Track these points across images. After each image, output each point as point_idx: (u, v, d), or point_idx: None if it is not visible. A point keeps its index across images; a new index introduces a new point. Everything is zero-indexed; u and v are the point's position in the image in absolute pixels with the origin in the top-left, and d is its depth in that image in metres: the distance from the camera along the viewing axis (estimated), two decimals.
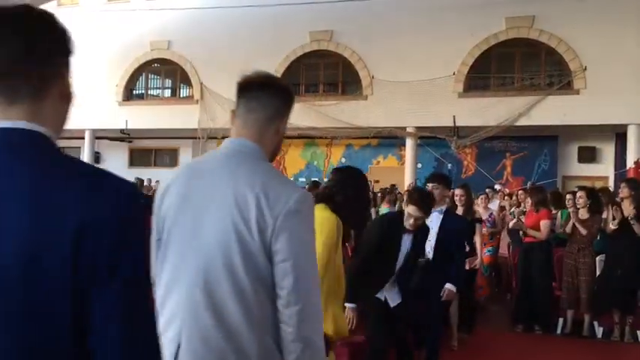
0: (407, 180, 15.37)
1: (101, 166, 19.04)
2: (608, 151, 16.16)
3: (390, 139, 17.11)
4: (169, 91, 19.52)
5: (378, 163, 18.19)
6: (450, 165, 17.21)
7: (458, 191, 6.29)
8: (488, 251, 7.78)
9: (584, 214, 6.68)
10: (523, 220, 7.16)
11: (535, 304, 6.75)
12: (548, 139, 16.41)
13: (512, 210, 9.26)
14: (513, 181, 16.25)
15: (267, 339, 1.59)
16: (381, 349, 4.10)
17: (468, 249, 5.87)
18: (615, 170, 15.70)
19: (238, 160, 1.69)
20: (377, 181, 15.56)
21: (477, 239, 6.15)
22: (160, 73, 19.38)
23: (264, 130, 1.75)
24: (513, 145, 16.68)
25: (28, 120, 1.05)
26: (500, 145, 16.62)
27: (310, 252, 1.64)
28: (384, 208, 10.17)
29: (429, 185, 5.06)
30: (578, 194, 6.82)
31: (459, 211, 6.06)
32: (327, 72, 17.31)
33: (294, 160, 19.03)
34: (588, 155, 16.18)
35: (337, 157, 18.65)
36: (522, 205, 8.40)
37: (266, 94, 1.76)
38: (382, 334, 4.17)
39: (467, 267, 5.82)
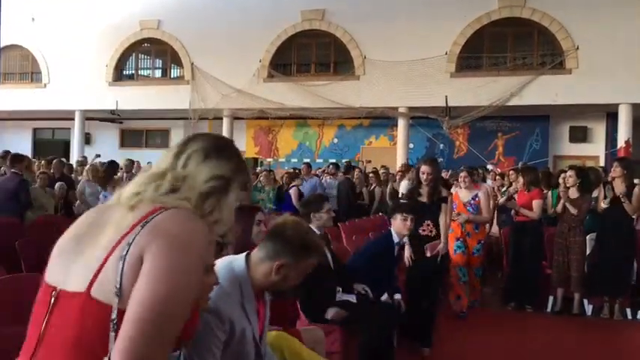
0: (399, 160, 15.38)
1: (92, 147, 18.98)
2: (599, 130, 16.22)
3: (382, 120, 17.08)
4: (160, 71, 19.34)
5: (370, 143, 18.17)
6: (442, 145, 17.23)
7: (424, 168, 5.33)
8: (476, 250, 6.57)
9: (574, 193, 6.72)
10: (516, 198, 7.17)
11: (526, 282, 6.81)
12: (540, 118, 16.43)
13: (504, 189, 9.30)
14: (505, 161, 16.29)
15: None
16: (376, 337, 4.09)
17: (434, 233, 5.27)
18: (606, 150, 15.80)
19: (227, 266, 2.25)
20: (369, 161, 15.57)
21: (442, 221, 5.29)
22: (150, 53, 19.17)
23: (261, 264, 2.24)
24: (505, 125, 16.69)
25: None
26: (492, 125, 16.64)
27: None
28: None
29: (407, 216, 4.75)
30: (568, 173, 6.85)
31: (424, 190, 5.33)
32: (319, 52, 17.19)
33: (286, 140, 18.97)
34: (579, 135, 16.23)
35: (329, 137, 18.60)
36: (514, 185, 8.42)
37: (272, 242, 2.26)
38: (375, 323, 4.18)
39: (428, 254, 5.19)
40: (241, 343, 2.18)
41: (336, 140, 18.52)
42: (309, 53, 17.26)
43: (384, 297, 4.47)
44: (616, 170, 6.60)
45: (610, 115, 15.35)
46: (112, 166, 9.21)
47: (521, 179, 7.07)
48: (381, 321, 4.16)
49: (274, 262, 2.23)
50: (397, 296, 4.51)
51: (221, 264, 2.25)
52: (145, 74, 19.32)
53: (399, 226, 4.78)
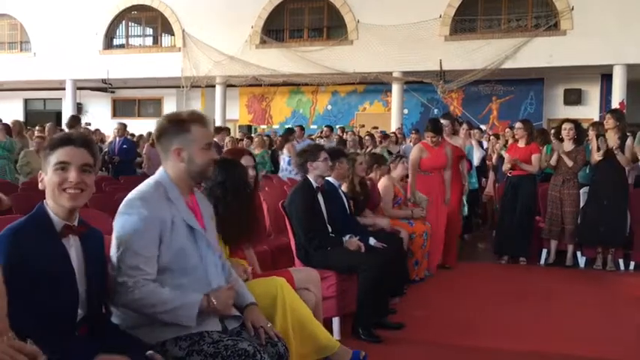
0: (393, 126, 15.33)
1: (84, 117, 18.80)
2: (593, 92, 16.18)
3: (376, 85, 16.99)
4: (151, 39, 19.10)
5: (364, 109, 18.11)
6: (436, 110, 17.17)
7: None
8: None
9: (568, 145, 6.71)
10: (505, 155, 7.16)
11: (519, 235, 6.82)
12: (534, 81, 16.37)
13: (499, 148, 9.30)
14: (499, 125, 16.26)
15: None
16: (374, 270, 4.12)
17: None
18: (600, 112, 15.75)
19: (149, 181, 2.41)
20: (362, 126, 15.54)
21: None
22: (140, 21, 18.92)
23: (168, 162, 2.38)
24: (500, 88, 16.64)
25: None
26: (487, 89, 16.58)
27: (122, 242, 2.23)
28: None
29: None
30: (567, 126, 6.80)
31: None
32: (312, 17, 16.99)
33: (280, 108, 18.88)
34: (574, 97, 16.20)
35: (323, 104, 18.51)
36: (509, 141, 8.40)
37: (160, 140, 2.39)
38: (370, 258, 4.20)
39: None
40: (175, 232, 2.26)
41: (330, 107, 18.43)
42: (302, 18, 17.06)
43: (372, 242, 4.49)
44: (609, 122, 6.59)
45: (604, 76, 15.30)
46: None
47: (519, 131, 6.92)
48: (377, 266, 4.19)
49: (171, 151, 2.34)
50: (372, 241, 4.55)
51: (143, 183, 2.38)
52: (136, 43, 19.09)
53: (343, 167, 4.85)
